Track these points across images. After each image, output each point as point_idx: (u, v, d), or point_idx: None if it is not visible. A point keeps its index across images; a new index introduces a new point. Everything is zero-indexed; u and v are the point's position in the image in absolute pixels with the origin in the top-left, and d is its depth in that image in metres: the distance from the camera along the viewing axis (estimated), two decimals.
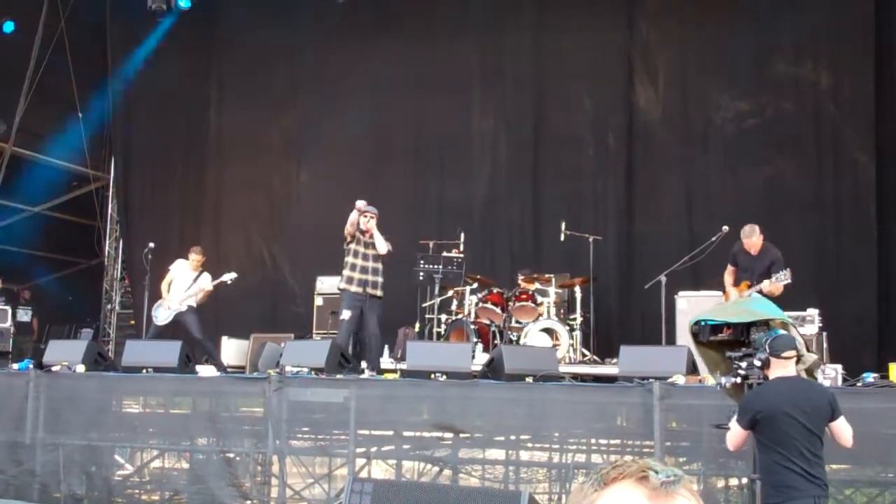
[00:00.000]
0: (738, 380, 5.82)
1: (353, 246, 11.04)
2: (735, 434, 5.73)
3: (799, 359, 5.75)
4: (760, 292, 9.78)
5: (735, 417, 5.70)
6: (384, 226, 11.46)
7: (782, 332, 5.73)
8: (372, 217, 10.98)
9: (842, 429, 5.58)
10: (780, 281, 9.65)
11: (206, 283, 12.23)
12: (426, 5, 14.76)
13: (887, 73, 12.52)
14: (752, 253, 10.07)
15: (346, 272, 11.05)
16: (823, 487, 5.47)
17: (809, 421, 5.46)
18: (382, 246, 10.99)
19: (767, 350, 5.67)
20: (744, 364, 5.79)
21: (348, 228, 11.01)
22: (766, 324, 5.90)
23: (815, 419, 5.48)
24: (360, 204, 10.99)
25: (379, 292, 11.03)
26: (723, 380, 5.96)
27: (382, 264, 11.11)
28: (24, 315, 16.43)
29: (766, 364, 5.69)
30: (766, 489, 5.55)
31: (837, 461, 8.21)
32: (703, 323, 6.22)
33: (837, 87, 12.83)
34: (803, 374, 5.84)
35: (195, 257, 12.41)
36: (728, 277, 10.23)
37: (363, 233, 11.00)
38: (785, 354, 5.61)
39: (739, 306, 6.38)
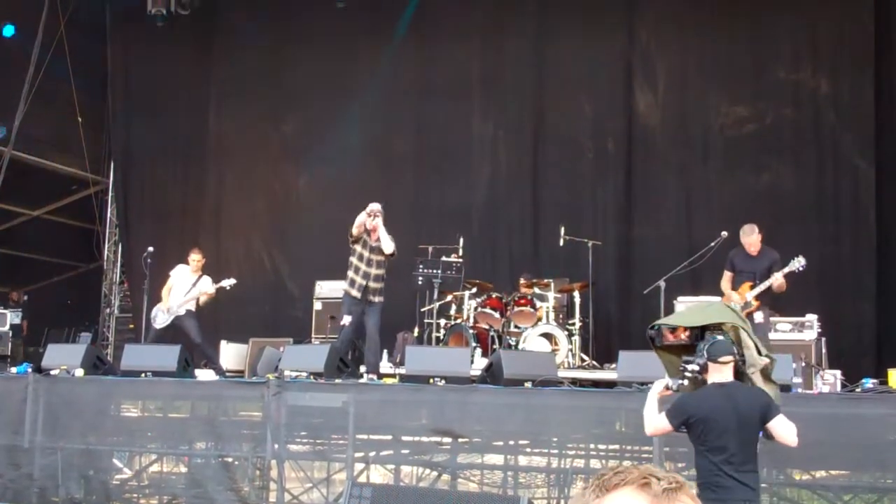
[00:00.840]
0: (686, 382, 5.90)
1: (357, 247, 10.85)
2: (660, 428, 5.88)
3: (739, 363, 5.80)
4: (769, 288, 9.80)
5: (665, 412, 5.82)
6: (388, 230, 11.43)
7: (721, 337, 5.79)
8: (377, 216, 10.62)
9: (778, 429, 5.63)
10: (793, 267, 9.68)
11: (207, 285, 12.18)
12: (426, 11, 14.76)
13: (887, 79, 12.52)
14: (752, 253, 10.08)
15: (349, 274, 10.89)
16: (755, 491, 5.58)
17: (742, 427, 5.56)
18: (388, 245, 10.62)
19: (705, 355, 5.76)
20: (689, 367, 5.88)
21: (353, 230, 10.85)
22: (719, 328, 5.94)
23: (747, 426, 5.59)
24: (375, 207, 10.66)
25: (378, 298, 10.77)
26: (669, 381, 6.06)
27: (386, 269, 10.85)
28: (15, 318, 16.41)
29: (704, 369, 5.79)
30: (700, 490, 5.64)
31: (836, 467, 8.23)
32: (656, 328, 6.29)
33: (837, 93, 12.84)
34: (758, 378, 5.88)
35: (195, 257, 12.35)
36: (725, 283, 10.20)
37: (369, 234, 10.74)
38: (722, 360, 5.70)
39: (695, 312, 6.44)
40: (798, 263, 9.75)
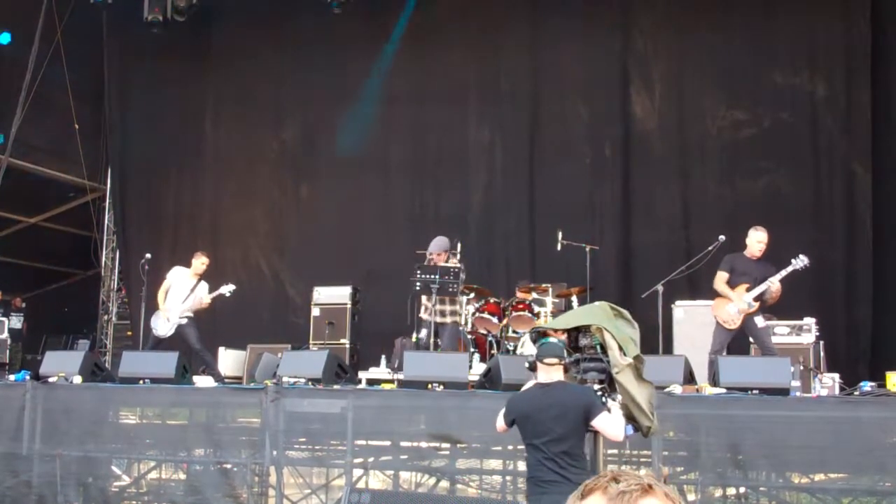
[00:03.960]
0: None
1: None
2: (499, 426, 6.20)
3: (566, 368, 6.04)
4: (764, 295, 9.78)
5: (503, 410, 6.14)
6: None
7: (552, 339, 6.03)
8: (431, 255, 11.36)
9: (602, 426, 5.82)
10: (796, 266, 9.66)
11: (204, 293, 12.14)
12: (423, 18, 14.77)
13: (884, 84, 12.54)
14: (756, 256, 10.01)
15: None
16: (576, 486, 5.62)
17: (562, 425, 5.78)
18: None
19: (534, 356, 6.07)
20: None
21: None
22: (588, 329, 6.14)
23: (567, 423, 5.79)
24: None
25: (439, 319, 11.24)
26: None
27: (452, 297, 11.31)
28: (17, 322, 16.44)
29: (532, 367, 6.08)
30: (528, 484, 5.98)
31: (835, 470, 8.24)
32: (534, 331, 6.55)
33: (834, 97, 12.85)
34: (627, 378, 6.02)
35: (204, 260, 12.20)
36: (723, 285, 10.04)
37: None
38: (547, 361, 5.94)
39: (570, 315, 6.68)
40: (801, 262, 9.71)
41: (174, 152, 16.34)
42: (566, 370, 6.02)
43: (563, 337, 6.22)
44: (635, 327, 6.41)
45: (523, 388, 6.30)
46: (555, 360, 5.93)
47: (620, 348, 6.01)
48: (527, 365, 6.16)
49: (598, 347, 6.04)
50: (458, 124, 14.71)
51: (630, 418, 6.02)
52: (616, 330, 6.10)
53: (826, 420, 8.00)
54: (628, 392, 5.99)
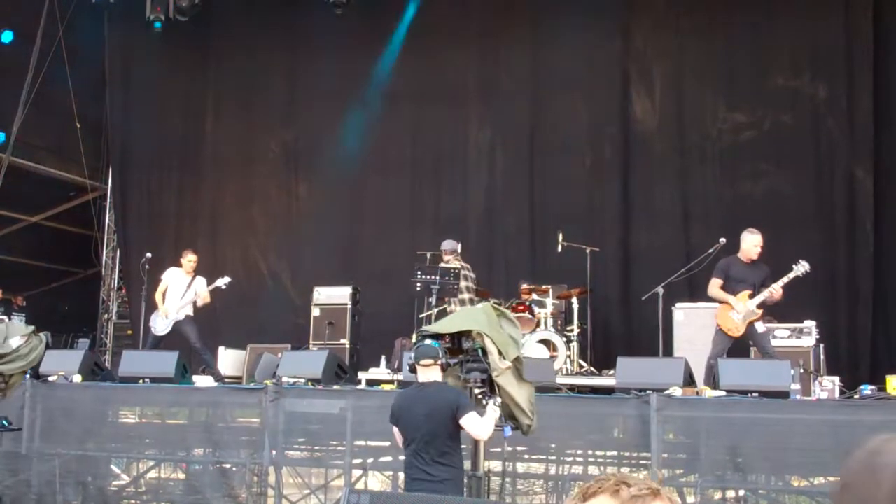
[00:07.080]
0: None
1: None
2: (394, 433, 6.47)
3: (443, 367, 6.29)
4: (763, 303, 9.77)
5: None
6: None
7: (428, 342, 6.29)
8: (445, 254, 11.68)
9: (467, 426, 6.09)
10: (798, 272, 9.65)
11: (202, 287, 12.15)
12: (423, 18, 14.77)
13: (885, 87, 12.51)
14: (752, 259, 9.95)
15: None
16: (449, 482, 6.06)
17: (431, 423, 6.09)
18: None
19: (412, 359, 6.38)
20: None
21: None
22: (470, 334, 6.35)
23: (436, 421, 6.08)
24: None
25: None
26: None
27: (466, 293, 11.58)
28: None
29: (413, 370, 6.47)
30: (404, 482, 6.30)
31: (835, 474, 8.21)
32: (420, 335, 6.82)
33: (835, 100, 12.82)
34: (508, 380, 6.19)
35: (190, 258, 12.29)
36: (720, 291, 9.97)
37: None
38: (423, 362, 6.24)
39: (453, 318, 7.00)
40: (802, 268, 9.70)
41: (175, 151, 16.36)
42: (444, 369, 6.27)
43: (448, 341, 6.43)
44: (517, 327, 6.64)
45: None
46: (430, 361, 6.20)
47: (500, 352, 6.18)
48: (409, 370, 6.40)
49: (479, 351, 6.23)
50: (459, 125, 14.71)
51: (511, 417, 6.27)
52: (497, 333, 6.29)
53: (826, 423, 7.99)
54: (509, 393, 6.20)
